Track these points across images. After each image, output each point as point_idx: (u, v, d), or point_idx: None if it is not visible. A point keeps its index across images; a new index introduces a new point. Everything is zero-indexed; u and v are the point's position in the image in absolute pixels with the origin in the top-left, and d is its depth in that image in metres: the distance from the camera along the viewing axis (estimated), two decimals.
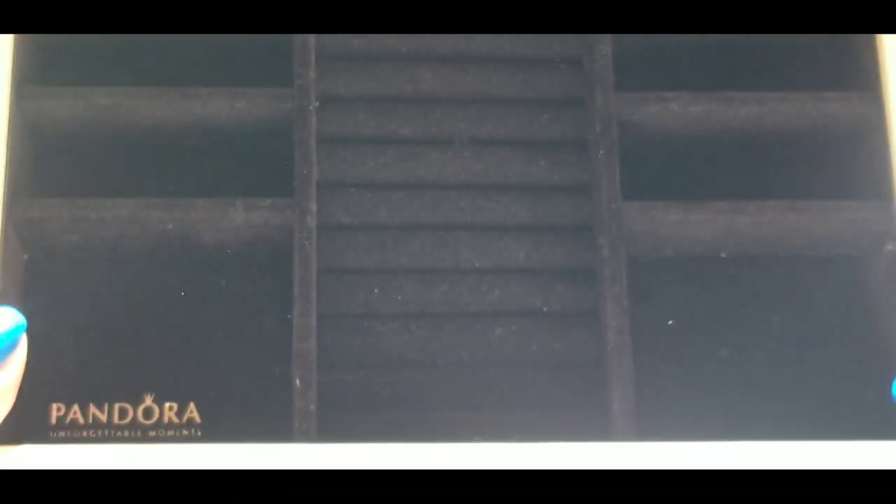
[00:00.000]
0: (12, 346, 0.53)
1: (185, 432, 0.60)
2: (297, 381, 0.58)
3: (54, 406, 0.60)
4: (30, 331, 0.60)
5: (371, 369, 0.61)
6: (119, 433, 0.59)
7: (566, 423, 0.60)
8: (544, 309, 0.62)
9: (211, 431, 0.60)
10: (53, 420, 0.59)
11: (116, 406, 0.60)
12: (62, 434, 0.59)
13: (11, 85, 0.61)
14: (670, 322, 0.62)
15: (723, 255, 0.65)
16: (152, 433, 0.60)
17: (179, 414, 0.60)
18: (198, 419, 0.60)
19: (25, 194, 0.61)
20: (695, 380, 0.62)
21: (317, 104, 0.63)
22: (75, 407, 0.60)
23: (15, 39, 0.61)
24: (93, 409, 0.60)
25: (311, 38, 0.63)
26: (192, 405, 0.60)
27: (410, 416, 0.60)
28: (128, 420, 0.60)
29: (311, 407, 0.58)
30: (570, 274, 0.62)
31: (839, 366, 0.63)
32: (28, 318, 0.61)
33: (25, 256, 0.62)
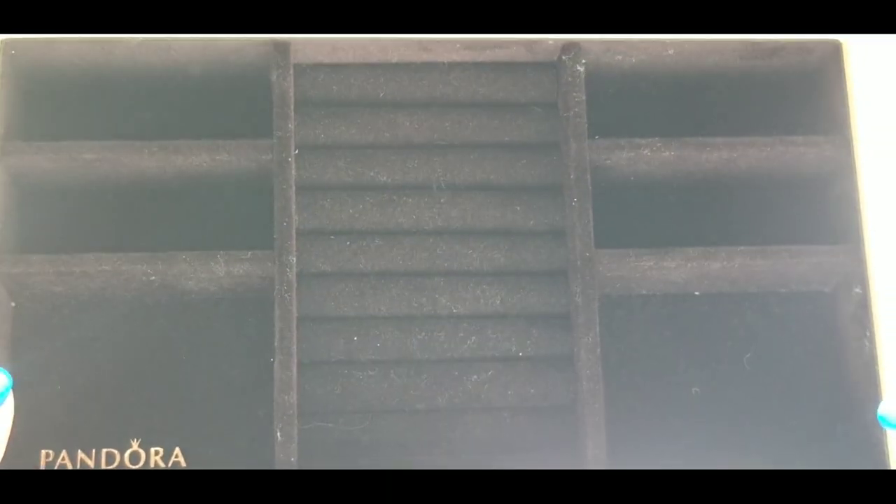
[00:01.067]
0: None
1: None
2: (279, 434, 0.59)
3: (43, 452, 0.61)
4: (17, 378, 0.61)
5: (351, 416, 0.62)
6: None
7: (541, 468, 0.62)
8: (520, 354, 0.63)
9: None
10: (42, 465, 0.61)
11: (104, 451, 0.61)
12: None
13: None
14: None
15: (696, 294, 0.66)
16: None
17: (165, 458, 0.61)
18: (183, 463, 0.61)
19: (10, 250, 0.62)
20: (667, 418, 0.64)
21: (296, 152, 0.64)
22: (64, 452, 0.61)
23: None
24: (81, 454, 0.61)
25: (290, 90, 0.64)
26: (177, 450, 0.62)
27: (389, 462, 0.61)
28: (115, 465, 0.61)
29: (293, 459, 0.59)
30: (545, 319, 0.64)
31: (808, 403, 0.64)
32: (15, 365, 0.62)
33: (13, 304, 0.63)
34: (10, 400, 0.56)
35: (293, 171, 0.63)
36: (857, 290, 0.63)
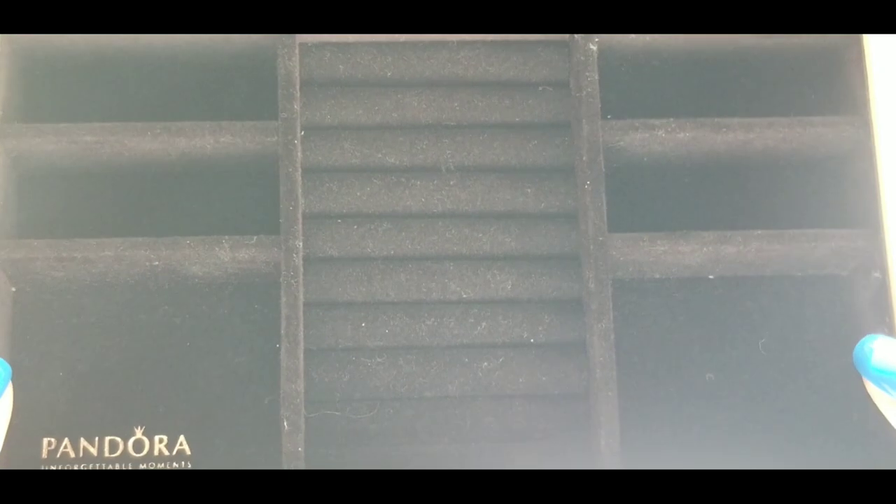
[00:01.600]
0: None
1: (175, 465, 0.60)
2: (285, 424, 0.58)
3: (45, 440, 0.60)
4: (18, 365, 0.60)
5: (359, 404, 0.61)
6: (110, 466, 0.60)
7: (553, 456, 0.61)
8: (531, 340, 0.62)
9: (201, 464, 0.60)
10: (45, 454, 0.60)
11: (107, 439, 0.60)
12: (54, 468, 0.60)
13: None
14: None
15: (710, 277, 0.65)
16: (143, 466, 0.60)
17: (169, 446, 0.60)
18: (188, 451, 0.60)
19: (10, 234, 0.61)
20: (681, 404, 0.63)
21: (302, 133, 0.63)
22: (66, 441, 0.60)
23: None
24: (83, 442, 0.60)
25: (296, 70, 0.63)
26: (181, 438, 0.61)
27: (398, 451, 0.60)
28: (118, 453, 0.60)
29: (300, 448, 0.58)
30: (557, 304, 0.63)
31: (824, 388, 0.63)
32: (16, 351, 0.61)
33: (13, 289, 0.62)
34: (9, 390, 0.55)
35: (299, 154, 0.62)
36: (877, 274, 0.62)
